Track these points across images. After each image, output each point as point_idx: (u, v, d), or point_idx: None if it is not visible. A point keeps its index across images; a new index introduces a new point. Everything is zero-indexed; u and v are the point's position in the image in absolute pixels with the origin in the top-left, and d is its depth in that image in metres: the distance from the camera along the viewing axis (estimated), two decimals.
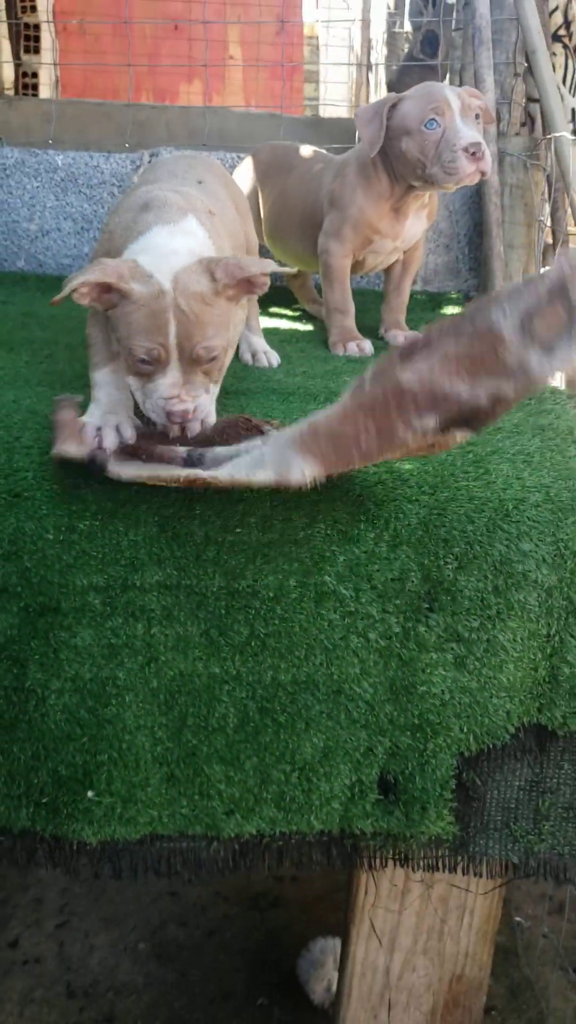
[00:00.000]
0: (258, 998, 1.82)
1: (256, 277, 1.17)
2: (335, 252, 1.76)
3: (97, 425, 1.18)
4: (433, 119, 1.60)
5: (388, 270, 1.88)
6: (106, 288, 1.14)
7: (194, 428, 1.16)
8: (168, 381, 1.14)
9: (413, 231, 1.78)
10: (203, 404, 1.16)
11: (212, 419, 1.19)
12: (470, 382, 0.94)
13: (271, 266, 1.18)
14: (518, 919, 2.01)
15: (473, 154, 1.58)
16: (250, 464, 1.05)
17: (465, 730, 1.13)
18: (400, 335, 1.82)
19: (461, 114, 1.61)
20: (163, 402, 1.14)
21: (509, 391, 0.94)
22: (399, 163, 1.67)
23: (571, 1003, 1.81)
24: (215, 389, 1.20)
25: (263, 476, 1.03)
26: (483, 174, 1.61)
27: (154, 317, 1.12)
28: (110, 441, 1.16)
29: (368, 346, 1.76)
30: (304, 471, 1.01)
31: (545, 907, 2.04)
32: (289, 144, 2.07)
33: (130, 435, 1.18)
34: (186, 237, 1.20)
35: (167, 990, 1.83)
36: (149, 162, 2.29)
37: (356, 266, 1.81)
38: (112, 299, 1.15)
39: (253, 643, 1.10)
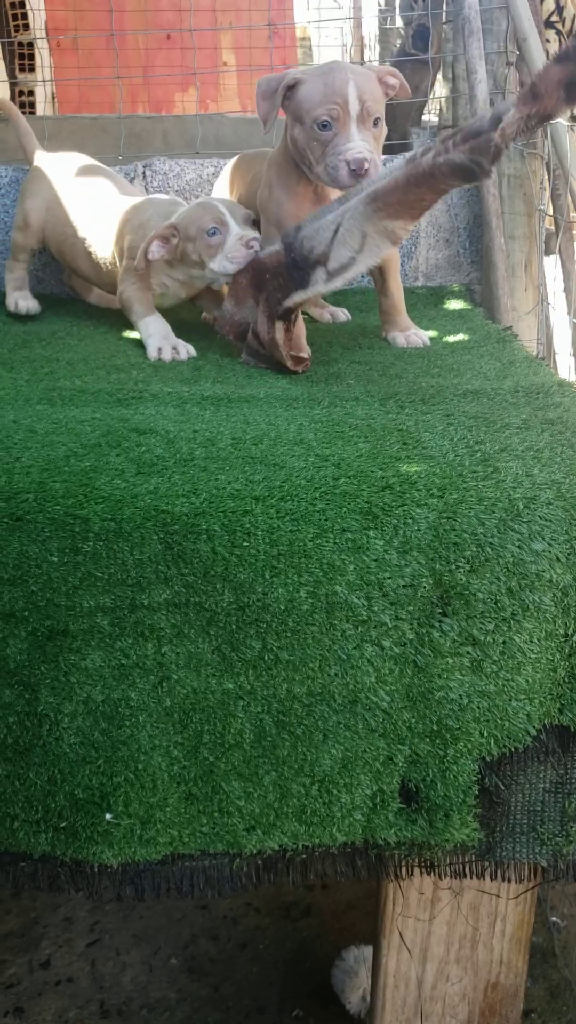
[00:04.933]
0: (293, 1010, 1.80)
1: None
2: None
3: (160, 346, 1.73)
4: (327, 121, 1.54)
5: (372, 274, 1.82)
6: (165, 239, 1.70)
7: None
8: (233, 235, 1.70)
9: None
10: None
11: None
12: None
13: None
14: (554, 919, 1.98)
15: (355, 171, 1.52)
16: (346, 258, 1.46)
17: (485, 734, 1.11)
18: (400, 336, 1.80)
19: (358, 120, 1.54)
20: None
21: None
22: (292, 145, 1.63)
23: None
24: None
25: (365, 262, 1.45)
26: None
27: None
28: (179, 355, 1.72)
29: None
30: (396, 231, 1.42)
31: None
32: (257, 151, 2.04)
33: (192, 350, 1.74)
34: None
35: (201, 1006, 1.81)
36: (143, 173, 2.28)
37: None
38: (173, 245, 1.71)
39: (266, 657, 1.09)
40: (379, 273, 1.80)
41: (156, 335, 1.76)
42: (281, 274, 1.55)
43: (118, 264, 1.86)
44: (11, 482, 1.12)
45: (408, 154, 1.40)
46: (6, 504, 1.08)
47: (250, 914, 2.02)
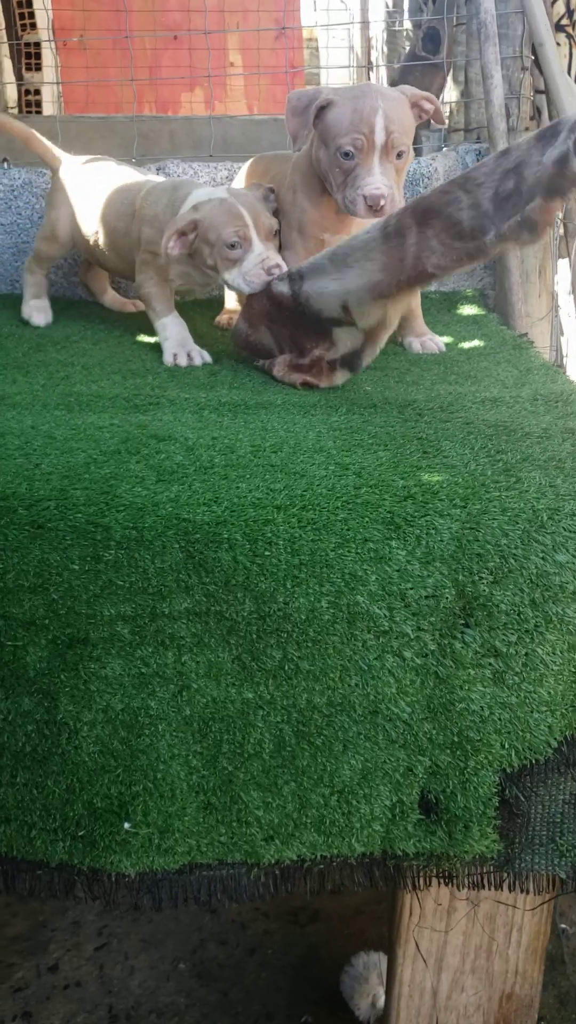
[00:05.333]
0: (302, 1015, 1.80)
1: None
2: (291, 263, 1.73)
3: (176, 352, 1.71)
4: (350, 151, 1.53)
5: None
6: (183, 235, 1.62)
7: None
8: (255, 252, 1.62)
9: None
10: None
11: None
12: None
13: None
14: (563, 926, 1.98)
15: (371, 207, 1.53)
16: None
17: (506, 746, 1.11)
18: (416, 341, 1.79)
19: (381, 152, 1.52)
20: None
21: None
22: (316, 163, 1.62)
23: None
24: None
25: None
26: None
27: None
28: (194, 362, 1.70)
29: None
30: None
31: None
32: (275, 153, 2.04)
33: (207, 356, 1.72)
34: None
35: (210, 1011, 1.81)
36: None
37: None
38: (189, 240, 1.63)
39: (286, 667, 1.08)
40: None
41: (173, 339, 1.75)
42: (296, 320, 1.53)
43: (134, 255, 1.82)
44: (32, 489, 1.11)
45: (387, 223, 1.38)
46: (27, 512, 1.08)
47: (258, 919, 2.02)
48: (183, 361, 1.70)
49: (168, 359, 1.71)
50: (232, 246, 1.59)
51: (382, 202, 1.52)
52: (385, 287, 1.38)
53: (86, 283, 2.24)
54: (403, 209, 1.34)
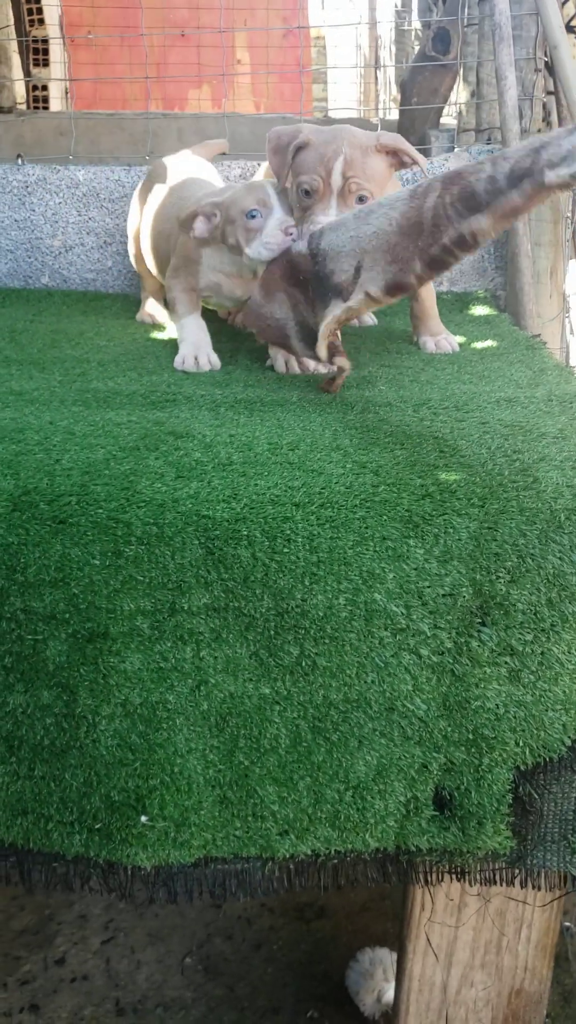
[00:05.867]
0: (308, 1011, 1.81)
1: None
2: None
3: (185, 355, 1.68)
4: (308, 190, 1.55)
5: None
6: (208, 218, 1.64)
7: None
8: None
9: None
10: None
11: None
12: None
13: None
14: (567, 924, 1.99)
15: None
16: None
17: (521, 744, 1.12)
18: (430, 340, 1.80)
19: (339, 196, 1.53)
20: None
21: None
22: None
23: None
24: None
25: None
26: None
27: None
28: (204, 365, 1.67)
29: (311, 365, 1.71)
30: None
31: None
32: None
33: (216, 362, 1.69)
34: None
35: (216, 1005, 1.82)
36: None
37: None
38: (214, 224, 1.65)
39: (303, 663, 1.09)
40: None
41: (188, 341, 1.72)
42: (309, 283, 1.53)
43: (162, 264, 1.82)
44: (53, 484, 1.12)
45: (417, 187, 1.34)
46: (49, 507, 1.08)
47: (264, 914, 2.03)
48: (190, 365, 1.68)
49: (177, 361, 1.69)
50: (252, 215, 1.58)
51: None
52: (400, 253, 1.33)
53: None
54: (439, 175, 1.32)
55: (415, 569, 1.07)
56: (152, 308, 2.08)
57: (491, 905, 1.29)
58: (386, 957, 1.79)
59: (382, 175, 1.57)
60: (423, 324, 1.82)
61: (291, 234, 1.56)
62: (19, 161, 2.24)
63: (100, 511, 1.08)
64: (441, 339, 1.80)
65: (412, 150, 1.57)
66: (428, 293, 1.80)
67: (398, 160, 1.58)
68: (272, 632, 1.09)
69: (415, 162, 1.58)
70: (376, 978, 1.78)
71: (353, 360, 1.71)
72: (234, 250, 1.64)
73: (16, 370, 1.60)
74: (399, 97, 3.19)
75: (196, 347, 1.70)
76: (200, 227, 1.65)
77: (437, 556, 1.07)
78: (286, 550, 1.07)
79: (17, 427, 1.31)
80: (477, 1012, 1.35)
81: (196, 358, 1.68)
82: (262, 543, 1.07)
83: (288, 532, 1.07)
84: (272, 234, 1.57)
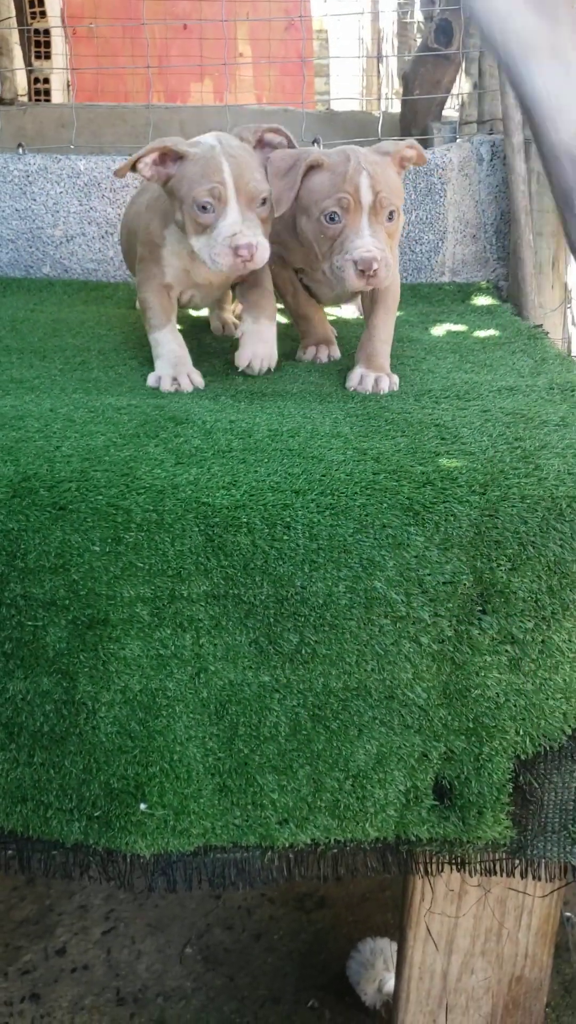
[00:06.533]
0: (308, 1000, 1.81)
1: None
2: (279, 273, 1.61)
3: (162, 375, 1.46)
4: (335, 213, 1.37)
5: (363, 300, 1.60)
6: (162, 159, 1.40)
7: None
8: (229, 220, 1.36)
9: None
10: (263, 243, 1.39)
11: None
12: None
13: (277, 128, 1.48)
14: (568, 914, 1.99)
15: (363, 272, 1.35)
16: None
17: (521, 733, 1.11)
18: (371, 377, 1.47)
19: (370, 215, 1.37)
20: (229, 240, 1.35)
21: None
22: (301, 235, 1.46)
23: None
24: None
25: None
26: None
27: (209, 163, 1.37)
28: (186, 386, 1.45)
29: (336, 352, 1.63)
30: None
31: None
32: (300, 151, 2.00)
33: (199, 381, 1.47)
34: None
35: (216, 995, 1.82)
36: None
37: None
38: (169, 171, 1.41)
39: (303, 651, 1.09)
40: (368, 302, 1.56)
41: (163, 358, 1.50)
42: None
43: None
44: (53, 471, 1.12)
45: None
46: (49, 493, 1.08)
47: (264, 904, 2.03)
48: (167, 386, 1.45)
49: (151, 380, 1.47)
50: (204, 208, 1.35)
51: (375, 266, 1.34)
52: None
53: None
54: None
55: (415, 557, 1.06)
56: None
57: (491, 894, 1.29)
58: (387, 947, 1.80)
59: (400, 186, 1.44)
60: (362, 354, 1.52)
61: (242, 255, 1.35)
62: (20, 150, 2.23)
63: (100, 497, 1.08)
64: (382, 377, 1.47)
65: (418, 147, 1.48)
66: (380, 326, 1.54)
67: (402, 162, 1.48)
68: (272, 620, 1.08)
69: (418, 159, 1.49)
70: (377, 968, 1.78)
71: (354, 350, 1.71)
72: (179, 225, 1.43)
73: (17, 358, 1.60)
74: (401, 90, 3.17)
75: (174, 365, 1.48)
76: (146, 166, 1.40)
77: (438, 544, 1.06)
78: (286, 537, 1.06)
79: (17, 414, 1.31)
80: (477, 1000, 1.35)
81: (175, 378, 1.46)
82: (262, 530, 1.06)
83: (288, 519, 1.07)
84: (222, 252, 1.35)
